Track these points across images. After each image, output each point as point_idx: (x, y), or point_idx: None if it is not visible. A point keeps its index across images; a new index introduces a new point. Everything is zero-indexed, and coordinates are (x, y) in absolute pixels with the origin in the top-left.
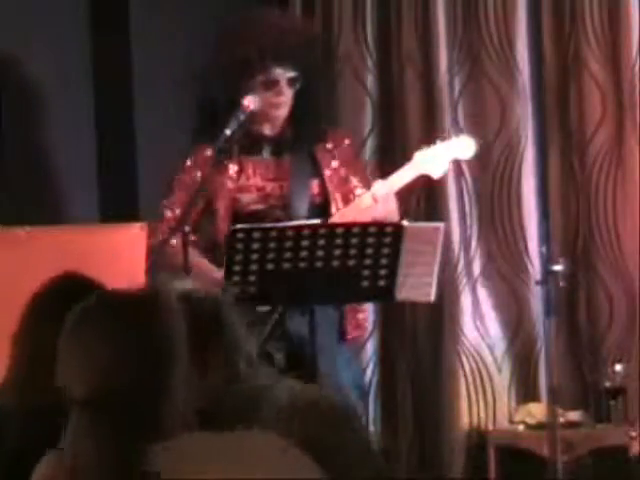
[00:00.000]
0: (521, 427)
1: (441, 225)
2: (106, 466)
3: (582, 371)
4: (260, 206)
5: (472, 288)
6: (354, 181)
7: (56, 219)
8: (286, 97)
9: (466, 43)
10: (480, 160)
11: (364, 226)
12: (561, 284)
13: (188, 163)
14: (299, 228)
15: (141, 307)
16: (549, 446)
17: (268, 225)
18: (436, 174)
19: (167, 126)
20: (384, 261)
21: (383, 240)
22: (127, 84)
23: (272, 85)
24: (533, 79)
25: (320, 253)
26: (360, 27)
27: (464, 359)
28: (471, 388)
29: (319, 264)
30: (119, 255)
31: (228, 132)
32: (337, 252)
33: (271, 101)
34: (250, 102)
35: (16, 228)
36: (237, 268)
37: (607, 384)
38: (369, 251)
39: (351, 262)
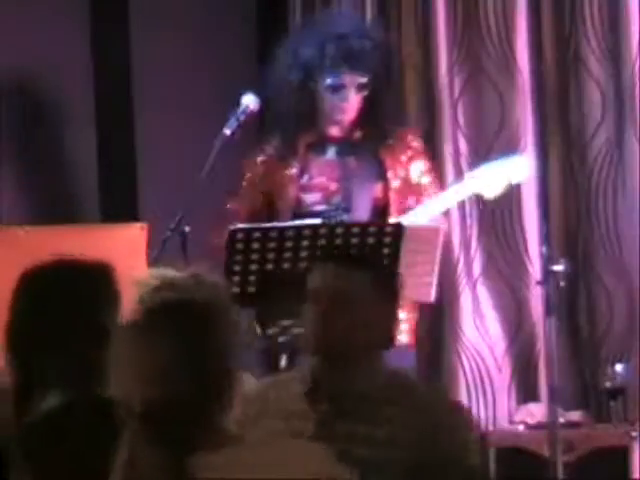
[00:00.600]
0: (521, 427)
1: (441, 225)
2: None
3: (582, 371)
4: (324, 206)
5: (472, 288)
6: (423, 184)
7: (56, 219)
8: (352, 102)
9: (466, 43)
10: (480, 160)
11: (364, 226)
12: (561, 284)
13: (259, 159)
14: (299, 228)
15: (195, 317)
16: (549, 446)
17: (268, 225)
18: (489, 195)
19: (167, 126)
20: (384, 261)
21: (383, 240)
22: (127, 84)
23: (339, 89)
24: (533, 79)
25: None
26: None
27: (464, 359)
28: (471, 388)
29: None
30: (119, 255)
31: (228, 132)
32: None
33: (336, 104)
34: (250, 102)
35: (15, 228)
36: (237, 268)
37: (607, 384)
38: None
39: None
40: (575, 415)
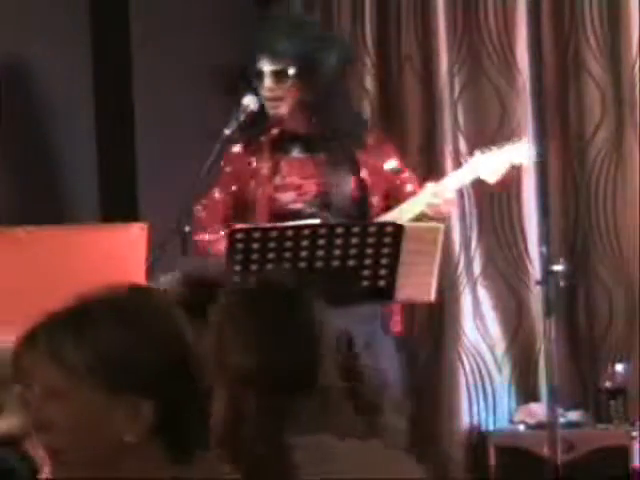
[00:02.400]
0: (521, 427)
1: (441, 225)
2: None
3: (582, 371)
4: (299, 205)
5: (472, 288)
6: (403, 177)
7: (56, 219)
8: (274, 92)
9: (466, 43)
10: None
11: (364, 226)
12: (561, 284)
13: (221, 163)
14: (299, 228)
15: (293, 301)
16: (549, 446)
17: (268, 225)
18: (492, 179)
19: (167, 126)
20: (384, 261)
21: (383, 240)
22: (128, 83)
23: (259, 77)
24: (533, 79)
25: (320, 253)
26: (359, 27)
27: (464, 359)
28: (471, 388)
29: (319, 264)
30: (119, 255)
31: (227, 132)
32: (337, 252)
33: (264, 95)
34: (250, 102)
35: (16, 228)
36: (237, 268)
37: (607, 384)
38: (369, 251)
39: (351, 262)
40: (575, 415)
